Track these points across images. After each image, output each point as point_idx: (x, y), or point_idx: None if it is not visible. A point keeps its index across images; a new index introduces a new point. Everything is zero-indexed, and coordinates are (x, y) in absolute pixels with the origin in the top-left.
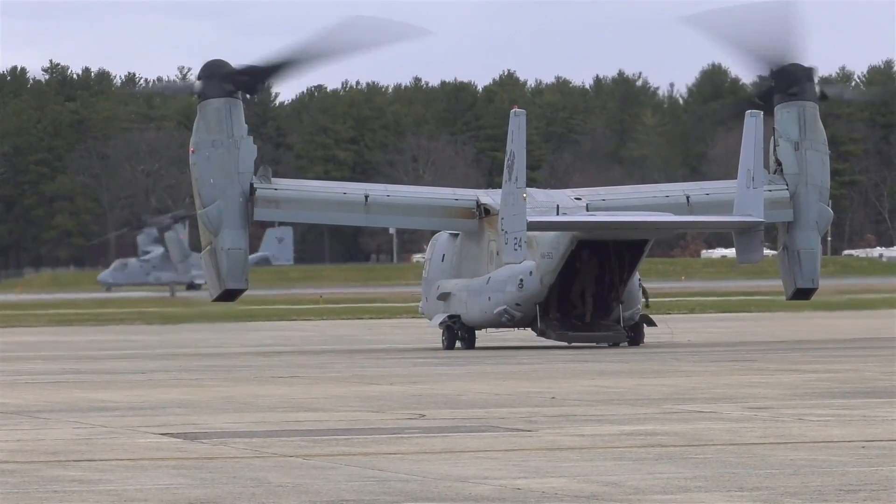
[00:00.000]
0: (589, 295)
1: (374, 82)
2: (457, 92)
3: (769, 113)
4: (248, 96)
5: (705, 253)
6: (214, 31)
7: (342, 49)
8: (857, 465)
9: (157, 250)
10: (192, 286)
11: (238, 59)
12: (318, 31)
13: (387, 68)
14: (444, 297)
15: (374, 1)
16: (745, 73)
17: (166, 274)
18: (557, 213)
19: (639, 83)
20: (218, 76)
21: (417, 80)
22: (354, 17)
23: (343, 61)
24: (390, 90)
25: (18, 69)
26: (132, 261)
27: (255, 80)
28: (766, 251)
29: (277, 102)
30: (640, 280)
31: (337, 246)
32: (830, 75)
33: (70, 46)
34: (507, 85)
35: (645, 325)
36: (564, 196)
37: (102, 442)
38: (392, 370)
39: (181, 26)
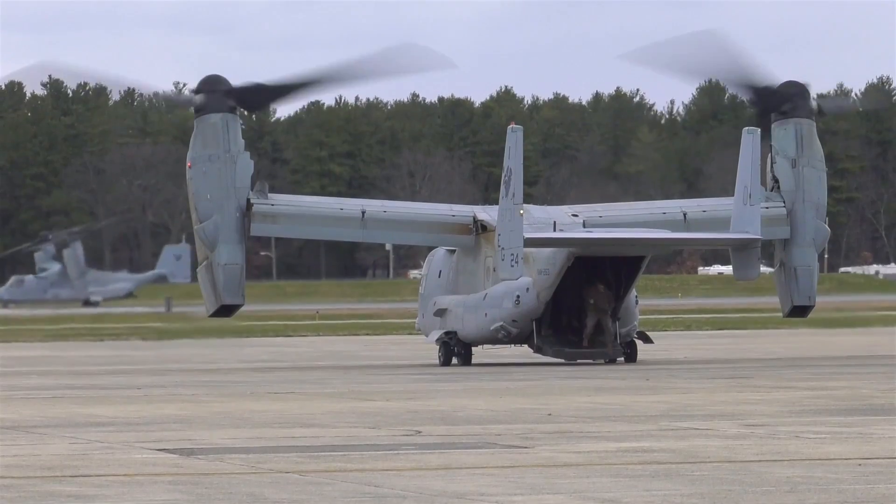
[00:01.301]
0: (590, 312)
1: (375, 98)
2: (454, 107)
3: (766, 130)
4: (246, 113)
5: (702, 270)
6: (212, 46)
7: (357, 75)
8: (853, 482)
9: (55, 267)
10: (88, 303)
11: (235, 74)
12: (338, 61)
13: (385, 84)
14: (441, 313)
15: (371, 19)
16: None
17: (64, 291)
18: (554, 230)
19: (636, 100)
20: (221, 91)
21: (415, 95)
22: (387, 48)
23: (356, 87)
24: (390, 105)
25: (16, 84)
26: (29, 277)
27: (261, 99)
28: (763, 268)
29: (273, 118)
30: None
31: (333, 261)
32: (828, 92)
33: (69, 61)
34: (505, 101)
35: (641, 341)
36: (561, 212)
37: (98, 457)
38: (388, 386)
39: (179, 41)
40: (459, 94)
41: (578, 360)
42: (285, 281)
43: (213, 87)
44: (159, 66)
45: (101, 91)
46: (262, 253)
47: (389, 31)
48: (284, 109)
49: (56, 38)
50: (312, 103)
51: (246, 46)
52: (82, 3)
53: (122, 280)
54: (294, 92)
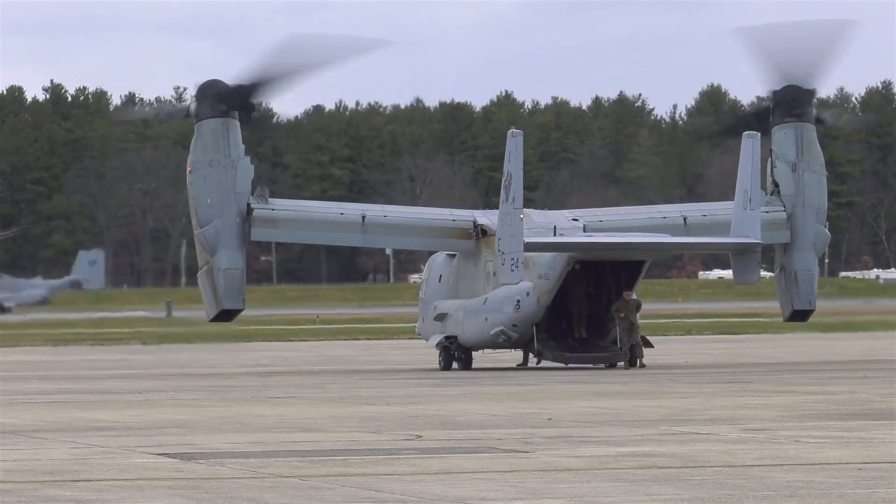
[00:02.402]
0: (621, 326)
1: (376, 102)
2: (454, 112)
3: (766, 134)
4: (246, 115)
5: (702, 274)
6: (214, 50)
7: (311, 65)
8: (854, 487)
9: None
10: (2, 309)
11: (237, 79)
12: (287, 46)
13: (386, 89)
14: (441, 317)
15: (372, 24)
16: (744, 94)
17: None
18: (554, 234)
19: (638, 104)
20: (211, 96)
21: (418, 100)
22: (319, 34)
23: (318, 75)
24: (389, 109)
25: (17, 88)
26: None
27: (244, 98)
28: (763, 272)
29: (274, 122)
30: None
31: (334, 266)
32: (829, 97)
33: (70, 65)
34: (505, 105)
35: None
36: (562, 217)
37: (99, 462)
38: (389, 391)
39: (180, 46)
40: (460, 99)
41: (579, 364)
42: (286, 285)
43: (204, 93)
44: (161, 71)
45: (101, 95)
46: (263, 258)
47: (391, 35)
48: (285, 115)
49: (57, 42)
50: (314, 107)
51: (249, 51)
52: (84, 6)
53: (36, 286)
54: (267, 86)
